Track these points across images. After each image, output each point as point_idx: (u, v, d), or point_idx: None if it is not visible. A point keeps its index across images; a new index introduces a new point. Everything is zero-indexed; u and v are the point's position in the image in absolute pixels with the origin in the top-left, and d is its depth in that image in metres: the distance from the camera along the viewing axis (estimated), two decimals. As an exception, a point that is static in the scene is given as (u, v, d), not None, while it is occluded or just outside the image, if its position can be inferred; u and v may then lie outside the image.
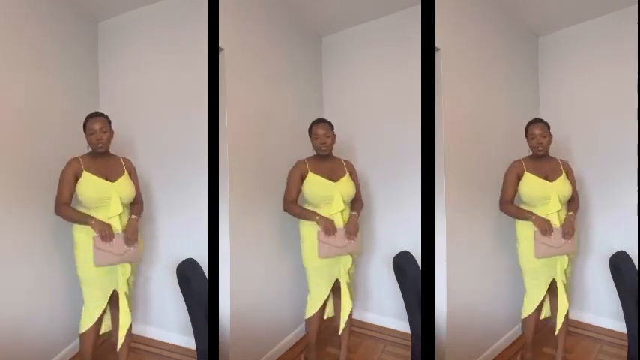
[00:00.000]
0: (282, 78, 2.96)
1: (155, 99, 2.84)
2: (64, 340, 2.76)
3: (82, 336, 2.47)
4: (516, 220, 2.69)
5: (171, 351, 2.79)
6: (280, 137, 2.93)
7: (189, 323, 2.61)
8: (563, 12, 3.02)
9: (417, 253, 2.67)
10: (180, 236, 2.81)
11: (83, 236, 2.36)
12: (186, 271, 2.62)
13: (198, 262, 2.62)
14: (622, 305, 2.76)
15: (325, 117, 2.90)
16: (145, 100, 2.86)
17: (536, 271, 2.65)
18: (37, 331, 2.57)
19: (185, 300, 2.62)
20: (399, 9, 2.90)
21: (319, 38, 3.20)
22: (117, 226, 2.34)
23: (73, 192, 2.35)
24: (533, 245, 2.59)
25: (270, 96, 2.87)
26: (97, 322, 2.45)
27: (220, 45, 2.49)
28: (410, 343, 2.79)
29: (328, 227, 2.58)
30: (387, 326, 3.05)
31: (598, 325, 3.09)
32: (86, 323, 2.46)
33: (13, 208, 2.42)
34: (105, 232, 2.29)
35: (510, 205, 2.69)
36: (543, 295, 2.69)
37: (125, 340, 2.44)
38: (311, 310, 2.74)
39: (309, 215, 2.62)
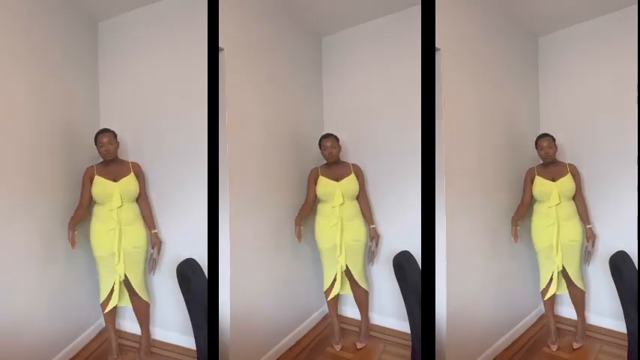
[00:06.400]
0: (282, 78, 2.96)
1: (155, 99, 2.83)
2: (64, 340, 2.76)
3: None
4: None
5: (172, 351, 2.79)
6: (280, 137, 2.93)
7: (190, 323, 2.61)
8: (563, 12, 3.02)
9: (417, 253, 2.67)
10: (180, 236, 2.81)
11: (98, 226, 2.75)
12: (186, 271, 2.62)
13: (198, 262, 2.62)
14: (622, 305, 2.76)
15: (325, 117, 2.92)
16: (144, 100, 2.86)
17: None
18: (37, 331, 2.57)
19: (185, 300, 2.62)
20: (399, 9, 2.90)
21: (319, 38, 3.20)
22: (114, 216, 2.70)
23: (89, 193, 2.74)
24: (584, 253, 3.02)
25: (270, 96, 2.87)
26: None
27: (220, 45, 2.49)
28: (410, 343, 2.80)
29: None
30: (387, 326, 3.05)
31: (598, 325, 3.09)
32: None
33: (13, 208, 2.42)
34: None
35: (522, 207, 3.04)
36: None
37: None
38: None
39: None
